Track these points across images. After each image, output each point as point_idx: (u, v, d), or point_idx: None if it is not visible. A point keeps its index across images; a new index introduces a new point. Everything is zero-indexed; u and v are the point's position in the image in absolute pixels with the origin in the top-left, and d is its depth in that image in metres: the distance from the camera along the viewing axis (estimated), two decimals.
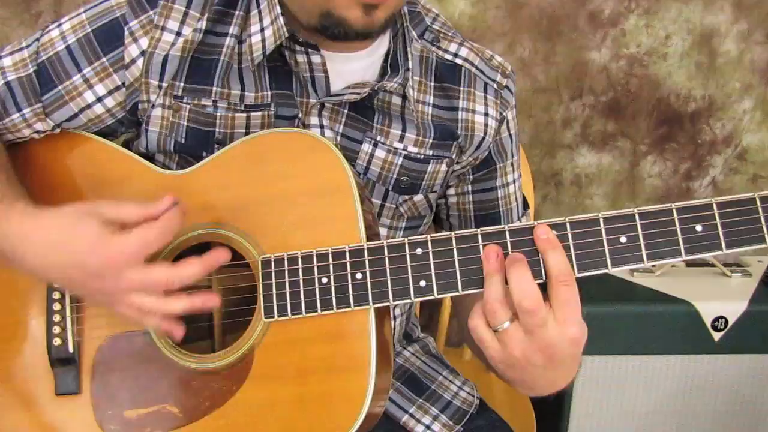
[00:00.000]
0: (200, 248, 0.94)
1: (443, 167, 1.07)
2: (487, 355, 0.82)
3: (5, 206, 0.88)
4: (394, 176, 1.04)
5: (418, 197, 1.07)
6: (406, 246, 0.84)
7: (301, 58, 0.97)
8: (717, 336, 1.68)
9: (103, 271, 0.82)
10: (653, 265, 1.82)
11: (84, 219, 0.83)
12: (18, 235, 0.86)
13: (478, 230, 0.82)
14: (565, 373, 0.84)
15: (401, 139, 1.03)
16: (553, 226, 0.81)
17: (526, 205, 1.18)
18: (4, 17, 1.77)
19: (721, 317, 1.67)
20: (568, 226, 0.80)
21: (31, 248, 0.85)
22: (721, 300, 1.70)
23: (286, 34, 0.94)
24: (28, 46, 0.98)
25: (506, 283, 0.79)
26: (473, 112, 1.06)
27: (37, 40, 0.98)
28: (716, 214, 0.78)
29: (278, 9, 0.95)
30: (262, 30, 0.96)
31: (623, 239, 0.79)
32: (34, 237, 0.85)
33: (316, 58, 0.97)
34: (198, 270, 0.83)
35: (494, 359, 0.81)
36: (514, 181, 1.14)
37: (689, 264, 1.86)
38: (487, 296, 0.79)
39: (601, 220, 0.80)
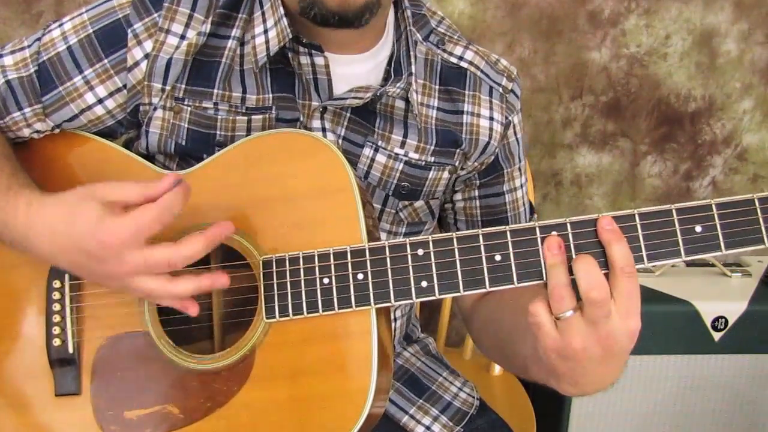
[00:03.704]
0: None
1: (445, 174, 1.06)
2: (542, 345, 0.79)
3: (13, 196, 0.87)
4: (395, 182, 1.04)
5: (419, 203, 1.07)
6: (408, 246, 0.84)
7: (304, 59, 0.97)
8: (717, 336, 1.68)
9: (103, 254, 0.81)
10: (653, 265, 1.81)
11: (84, 202, 0.82)
12: (26, 225, 0.85)
13: (479, 231, 0.82)
14: (615, 369, 0.81)
15: (402, 144, 1.03)
16: (554, 226, 0.80)
17: (532, 210, 1.18)
18: (5, 17, 1.77)
19: (721, 317, 1.67)
20: (568, 226, 0.80)
21: (38, 236, 0.85)
22: (721, 300, 1.70)
23: (290, 36, 0.94)
24: (29, 46, 0.98)
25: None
26: (478, 116, 1.06)
27: (39, 39, 0.98)
28: (715, 215, 0.78)
29: (282, 10, 0.94)
30: (265, 31, 0.96)
31: None
32: (39, 225, 0.85)
33: (319, 60, 0.96)
34: (200, 246, 0.81)
35: (549, 348, 0.78)
36: (521, 186, 1.14)
37: (689, 264, 1.86)
38: (554, 283, 0.78)
39: None
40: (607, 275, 0.77)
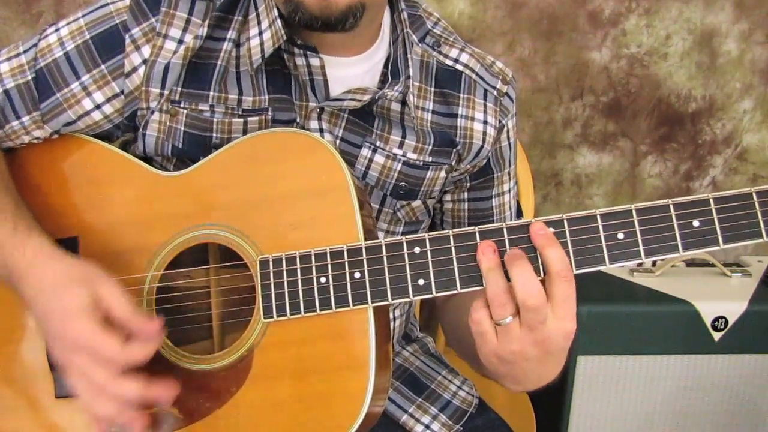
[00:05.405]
0: (199, 249, 0.94)
1: (442, 174, 1.06)
2: (482, 350, 0.81)
3: (21, 237, 0.89)
4: (393, 182, 1.04)
5: (416, 203, 1.07)
6: (404, 245, 0.84)
7: (300, 61, 0.97)
8: (717, 336, 1.68)
9: (58, 339, 0.83)
10: (653, 264, 1.82)
11: (78, 286, 0.83)
12: (25, 270, 0.87)
13: (476, 228, 0.82)
14: (554, 367, 0.84)
15: (401, 145, 1.03)
16: (550, 223, 0.81)
17: (519, 213, 1.19)
18: (5, 17, 1.77)
19: (721, 317, 1.67)
20: (565, 222, 0.80)
21: (30, 285, 0.87)
22: (721, 300, 1.69)
23: (284, 37, 0.94)
24: (25, 52, 0.97)
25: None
26: (472, 119, 1.06)
27: (35, 45, 0.97)
28: (713, 210, 0.78)
29: (276, 12, 0.94)
30: (260, 33, 0.95)
31: (620, 235, 0.79)
32: (35, 276, 0.86)
33: (314, 61, 0.96)
34: (136, 393, 0.80)
35: (490, 354, 0.81)
36: (509, 190, 1.14)
37: (689, 264, 1.86)
38: (492, 290, 0.79)
39: (599, 217, 0.80)
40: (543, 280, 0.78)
